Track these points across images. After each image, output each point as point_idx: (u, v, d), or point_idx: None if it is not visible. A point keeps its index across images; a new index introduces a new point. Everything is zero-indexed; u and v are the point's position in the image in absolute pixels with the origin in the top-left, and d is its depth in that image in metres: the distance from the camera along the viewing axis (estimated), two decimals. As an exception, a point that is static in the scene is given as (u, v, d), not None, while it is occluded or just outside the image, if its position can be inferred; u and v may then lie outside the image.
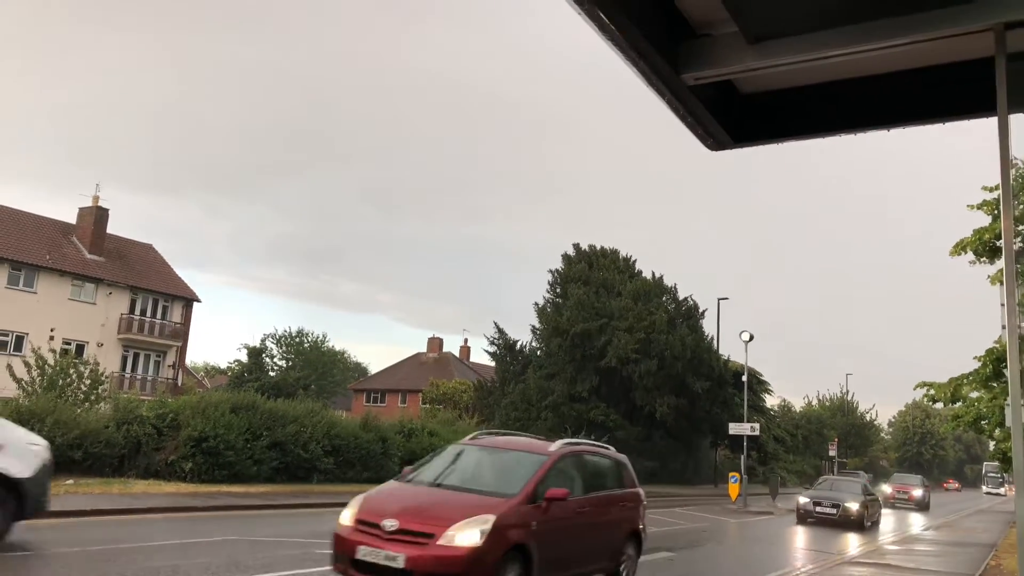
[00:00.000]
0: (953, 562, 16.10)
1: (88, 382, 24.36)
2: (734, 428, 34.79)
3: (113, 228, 46.62)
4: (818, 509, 23.46)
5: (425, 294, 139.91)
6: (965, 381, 13.84)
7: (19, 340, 38.68)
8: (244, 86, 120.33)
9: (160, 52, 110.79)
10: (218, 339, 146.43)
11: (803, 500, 24.46)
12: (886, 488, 41.35)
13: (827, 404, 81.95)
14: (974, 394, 14.37)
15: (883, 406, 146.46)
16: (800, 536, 20.63)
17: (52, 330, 39.89)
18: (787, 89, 2.66)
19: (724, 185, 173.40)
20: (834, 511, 23.00)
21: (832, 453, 70.29)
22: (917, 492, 39.46)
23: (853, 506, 23.15)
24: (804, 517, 23.64)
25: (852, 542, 19.38)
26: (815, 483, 28.10)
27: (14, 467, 9.57)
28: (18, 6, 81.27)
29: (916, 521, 30.88)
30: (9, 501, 9.56)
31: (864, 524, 23.00)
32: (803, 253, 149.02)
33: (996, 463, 73.45)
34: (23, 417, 18.70)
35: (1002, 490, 73.03)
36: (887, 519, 29.30)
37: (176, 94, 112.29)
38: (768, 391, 56.07)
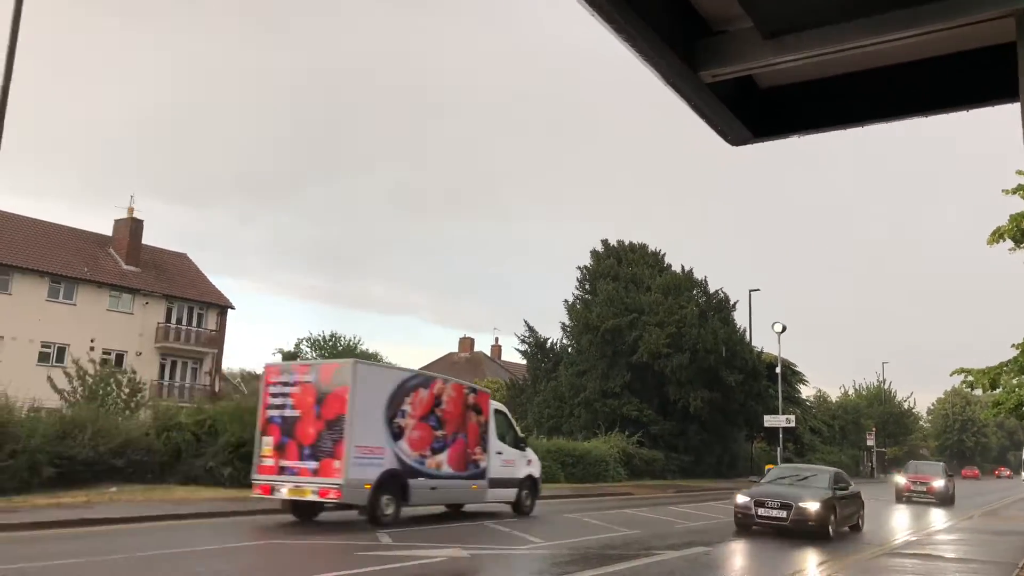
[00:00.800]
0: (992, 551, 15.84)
1: (127, 391, 24.83)
2: (769, 420, 34.52)
3: (148, 239, 47.45)
4: (761, 512, 17.12)
5: (455, 294, 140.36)
6: (1004, 369, 13.60)
7: (61, 351, 39.50)
8: (270, 93, 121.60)
9: (186, 62, 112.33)
10: (253, 345, 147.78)
11: (741, 500, 17.62)
12: (899, 479, 34.45)
13: (864, 393, 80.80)
14: (1015, 380, 14.11)
15: (921, 394, 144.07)
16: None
17: (92, 341, 40.69)
18: (806, 82, 2.65)
19: (755, 176, 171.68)
20: (783, 514, 16.80)
21: (870, 443, 69.37)
22: (938, 483, 32.12)
23: (811, 506, 16.71)
24: (745, 523, 17.48)
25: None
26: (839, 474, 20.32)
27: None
28: (47, 20, 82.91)
29: (927, 521, 24.04)
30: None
31: (829, 533, 16.81)
32: (837, 242, 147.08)
33: None
34: (67, 427, 19.15)
35: None
36: (878, 521, 22.24)
37: (204, 104, 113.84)
38: (803, 382, 55.53)
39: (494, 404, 19.94)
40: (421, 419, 16.36)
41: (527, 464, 20.26)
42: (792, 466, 25.29)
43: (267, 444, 15.35)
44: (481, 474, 18.26)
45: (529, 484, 19.94)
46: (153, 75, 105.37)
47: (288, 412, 15.23)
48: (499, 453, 19.01)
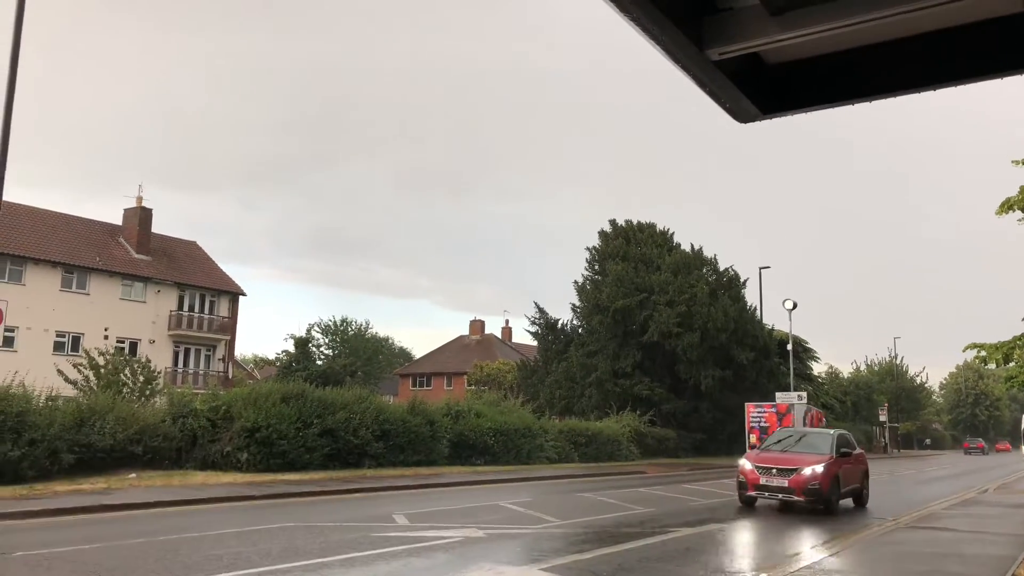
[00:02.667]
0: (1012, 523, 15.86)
1: (141, 378, 25.06)
2: (781, 397, 34.46)
3: (157, 227, 47.67)
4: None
5: (464, 277, 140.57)
6: (1018, 343, 13.55)
7: (75, 340, 39.86)
8: (272, 79, 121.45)
9: (189, 49, 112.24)
10: (265, 331, 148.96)
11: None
12: (745, 463, 17.65)
13: (876, 369, 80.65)
14: (1027, 353, 14.07)
15: (933, 368, 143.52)
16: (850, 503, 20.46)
17: (106, 329, 41.04)
18: (814, 58, 2.65)
19: (764, 152, 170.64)
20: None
21: (883, 418, 69.32)
22: (811, 470, 16.40)
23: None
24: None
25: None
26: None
27: None
28: (51, 11, 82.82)
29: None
30: None
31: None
32: (847, 217, 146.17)
33: None
34: (84, 415, 19.37)
35: None
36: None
37: (206, 90, 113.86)
38: (815, 358, 55.40)
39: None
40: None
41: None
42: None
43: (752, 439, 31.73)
44: None
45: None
46: (154, 64, 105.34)
47: (763, 423, 33.00)
48: None
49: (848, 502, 18.28)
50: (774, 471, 16.69)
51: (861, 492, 18.77)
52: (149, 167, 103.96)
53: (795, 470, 16.39)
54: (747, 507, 17.20)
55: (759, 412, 36.44)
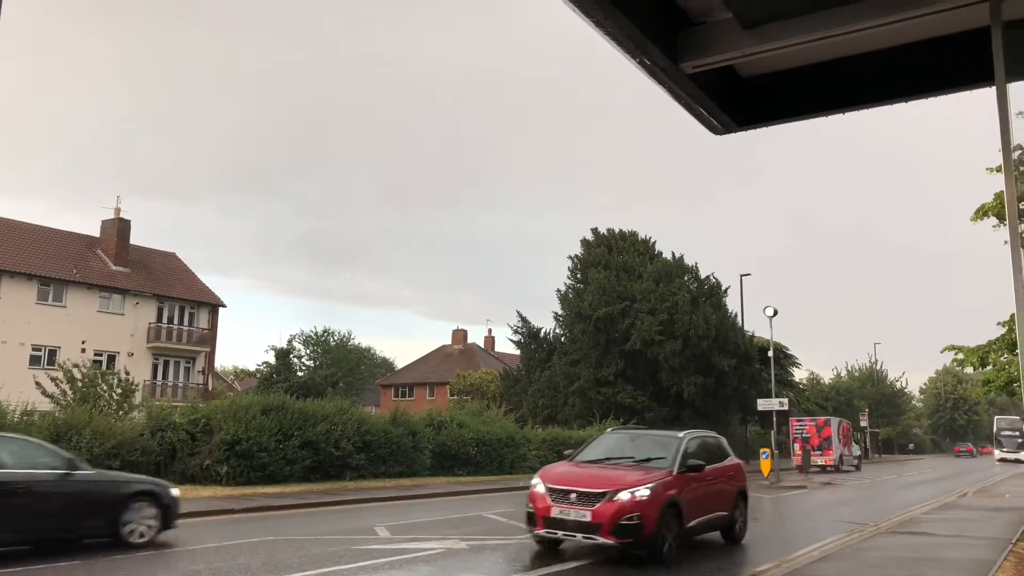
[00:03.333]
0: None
1: (119, 392, 24.76)
2: (762, 404, 34.65)
3: (135, 238, 47.25)
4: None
5: (447, 287, 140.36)
6: (993, 348, 13.72)
7: (52, 354, 39.34)
8: (252, 87, 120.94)
9: (167, 56, 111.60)
10: (245, 342, 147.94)
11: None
12: (538, 486, 11.50)
13: (856, 374, 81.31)
14: (1004, 358, 14.24)
15: (913, 373, 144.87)
16: (836, 509, 20.57)
17: (83, 342, 40.55)
18: (787, 71, 2.67)
19: (745, 162, 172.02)
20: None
21: (864, 423, 69.85)
22: (633, 495, 10.59)
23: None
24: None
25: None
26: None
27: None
28: (26, 18, 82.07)
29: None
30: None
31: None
32: (828, 224, 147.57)
33: (1017, 418, 62.39)
34: (60, 430, 19.09)
35: (1023, 455, 59.64)
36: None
37: (185, 98, 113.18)
38: (796, 365, 55.80)
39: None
40: None
41: None
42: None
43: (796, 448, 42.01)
44: None
45: None
46: (132, 72, 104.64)
47: (804, 435, 42.08)
48: None
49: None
50: (573, 496, 10.72)
51: (732, 524, 13.02)
52: (125, 176, 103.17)
53: (602, 495, 10.51)
54: (535, 538, 11.65)
55: (800, 425, 44.01)
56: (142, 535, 11.54)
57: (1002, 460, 60.38)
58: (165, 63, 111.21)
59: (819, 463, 41.63)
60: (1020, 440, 62.05)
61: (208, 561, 10.36)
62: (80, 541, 11.27)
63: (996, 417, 67.09)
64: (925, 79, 2.49)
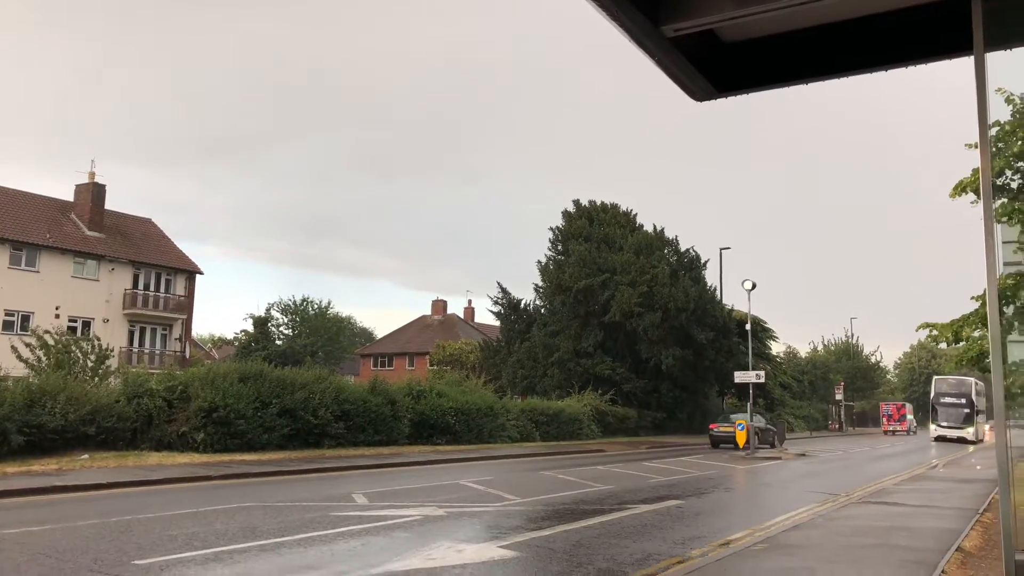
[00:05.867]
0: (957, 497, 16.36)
1: (93, 358, 24.55)
2: (739, 376, 34.92)
3: (110, 204, 46.57)
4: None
5: (426, 257, 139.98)
6: (967, 323, 13.87)
7: (25, 319, 38.87)
8: (232, 54, 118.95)
9: (146, 23, 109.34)
10: (223, 311, 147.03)
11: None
12: None
13: (832, 349, 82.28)
14: (976, 333, 14.41)
15: (888, 348, 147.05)
16: (809, 480, 20.93)
17: (57, 308, 40.09)
18: (769, 37, 2.65)
19: (724, 132, 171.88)
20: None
21: (839, 397, 70.93)
22: None
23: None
24: None
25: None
26: None
27: None
28: (0, -18, 79.86)
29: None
30: None
31: None
32: (805, 198, 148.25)
33: (965, 379, 46.91)
34: (34, 395, 18.93)
35: (969, 431, 46.29)
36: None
37: (164, 65, 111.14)
38: (773, 338, 56.28)
39: None
40: None
41: None
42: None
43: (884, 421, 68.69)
44: None
45: None
46: (109, 36, 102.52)
47: (889, 412, 70.14)
48: None
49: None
50: None
51: None
52: (101, 142, 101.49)
53: None
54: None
55: (887, 407, 70.84)
56: None
57: (939, 439, 46.80)
58: (143, 30, 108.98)
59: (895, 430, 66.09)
60: (966, 410, 47.13)
61: (185, 526, 10.36)
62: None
63: (935, 378, 51.53)
64: (904, 48, 2.48)
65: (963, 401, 47.53)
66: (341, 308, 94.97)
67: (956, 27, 2.27)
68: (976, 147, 13.18)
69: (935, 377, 52.20)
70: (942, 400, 48.44)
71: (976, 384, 47.35)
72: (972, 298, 13.55)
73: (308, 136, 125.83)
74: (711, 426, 36.15)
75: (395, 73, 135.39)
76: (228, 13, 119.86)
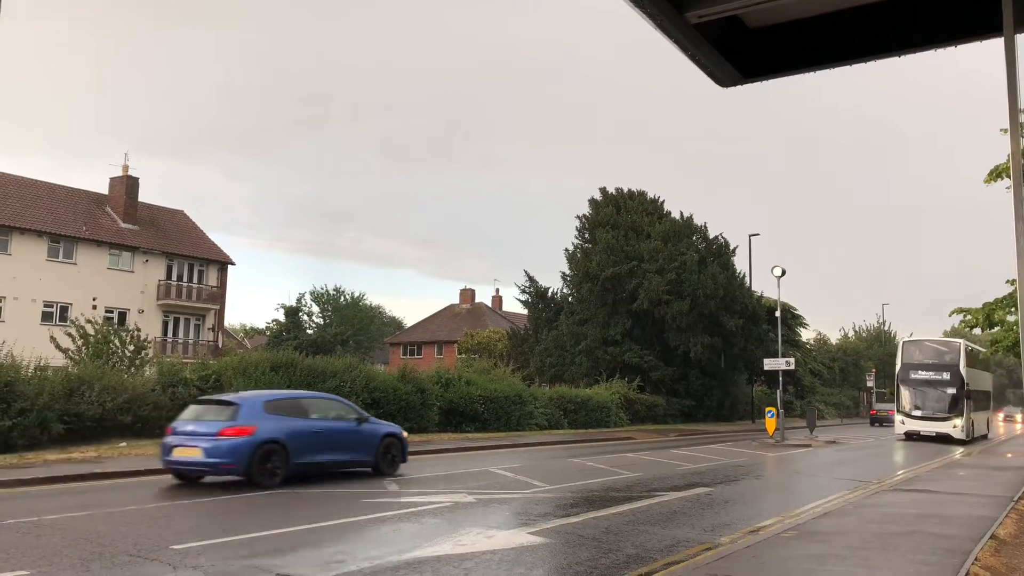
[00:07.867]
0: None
1: (131, 348, 25.02)
2: (769, 363, 34.65)
3: (142, 196, 47.24)
4: None
5: (453, 246, 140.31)
6: (998, 306, 13.68)
7: (63, 310, 39.68)
8: (256, 47, 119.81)
9: (170, 16, 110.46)
10: (254, 300, 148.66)
11: None
12: None
13: (863, 335, 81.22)
14: (1011, 317, 14.21)
15: (921, 333, 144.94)
16: (839, 467, 20.77)
17: (94, 299, 40.85)
18: (794, 21, 2.64)
19: (754, 118, 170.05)
20: None
21: (870, 384, 70.02)
22: None
23: None
24: None
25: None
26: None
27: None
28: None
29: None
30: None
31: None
32: (838, 185, 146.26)
33: (953, 341, 30.37)
34: (73, 384, 19.35)
35: (955, 423, 31.12)
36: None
37: (188, 58, 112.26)
38: (803, 325, 55.73)
39: None
40: None
41: None
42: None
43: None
44: None
45: None
46: (139, 31, 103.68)
47: None
48: None
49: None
50: None
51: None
52: (129, 134, 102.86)
53: None
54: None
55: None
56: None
57: (909, 436, 32.47)
58: (173, 25, 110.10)
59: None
60: (951, 390, 31.62)
61: (222, 513, 10.55)
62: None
63: (903, 342, 36.05)
64: (931, 30, 2.46)
65: (946, 377, 31.91)
66: (372, 298, 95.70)
67: (985, 8, 2.25)
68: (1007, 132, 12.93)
69: (903, 341, 36.40)
70: (912, 375, 32.89)
71: (966, 348, 32.80)
72: (1007, 281, 13.35)
73: (329, 127, 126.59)
74: (871, 412, 51.01)
75: (413, 62, 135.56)
76: (254, 4, 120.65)
